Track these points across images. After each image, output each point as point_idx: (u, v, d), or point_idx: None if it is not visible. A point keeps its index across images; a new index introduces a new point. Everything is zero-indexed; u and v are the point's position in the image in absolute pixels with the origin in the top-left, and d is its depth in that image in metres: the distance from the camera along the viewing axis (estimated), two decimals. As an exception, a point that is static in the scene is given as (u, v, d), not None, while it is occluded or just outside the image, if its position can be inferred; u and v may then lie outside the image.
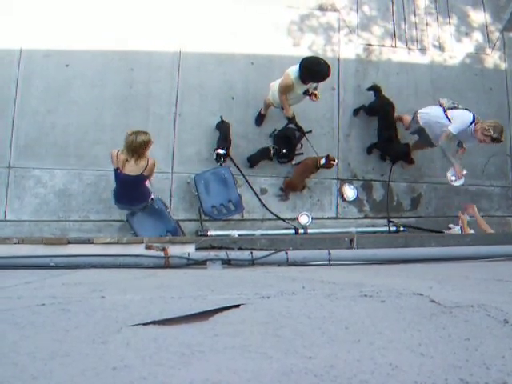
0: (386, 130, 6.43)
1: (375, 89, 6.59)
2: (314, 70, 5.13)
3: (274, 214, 6.36)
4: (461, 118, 5.46)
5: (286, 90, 5.37)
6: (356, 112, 6.78)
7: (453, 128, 5.45)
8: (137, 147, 4.53)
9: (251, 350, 1.10)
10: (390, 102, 6.43)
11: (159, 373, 0.96)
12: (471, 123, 5.39)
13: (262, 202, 6.35)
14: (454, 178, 5.91)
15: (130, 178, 4.76)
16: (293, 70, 5.18)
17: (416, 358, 1.07)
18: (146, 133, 4.57)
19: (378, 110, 6.50)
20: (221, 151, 5.95)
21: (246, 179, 6.30)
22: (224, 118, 6.21)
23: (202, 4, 6.56)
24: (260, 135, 6.42)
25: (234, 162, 6.24)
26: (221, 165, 6.07)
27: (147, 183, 5.15)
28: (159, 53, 6.37)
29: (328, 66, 5.15)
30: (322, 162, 5.94)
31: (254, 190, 6.33)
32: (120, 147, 4.68)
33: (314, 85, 5.46)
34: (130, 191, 5.02)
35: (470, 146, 5.83)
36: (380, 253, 3.24)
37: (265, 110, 6.31)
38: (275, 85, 5.53)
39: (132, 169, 4.69)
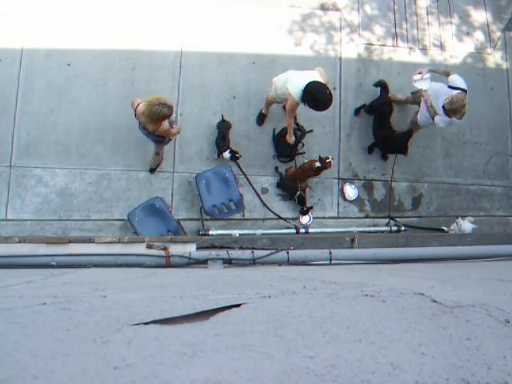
0: (379, 129, 6.44)
1: (382, 85, 6.58)
2: (316, 98, 5.00)
3: (275, 213, 6.36)
4: (463, 80, 5.51)
5: (293, 110, 5.34)
6: (357, 111, 6.77)
7: (454, 75, 5.52)
8: (154, 118, 4.76)
9: (252, 350, 1.10)
10: (389, 102, 6.43)
11: (160, 372, 0.96)
12: (462, 90, 5.39)
13: (263, 202, 6.35)
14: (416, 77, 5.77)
15: (145, 128, 5.07)
16: (296, 94, 5.03)
17: (417, 358, 1.07)
18: (170, 107, 4.74)
19: (376, 109, 6.50)
20: (227, 154, 5.99)
21: (247, 179, 6.30)
22: (225, 118, 6.22)
23: (202, 4, 6.56)
24: (261, 134, 6.42)
25: (241, 170, 6.31)
26: (236, 162, 6.21)
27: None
28: (160, 52, 6.37)
29: (330, 101, 5.02)
30: (318, 164, 5.87)
31: (255, 190, 6.33)
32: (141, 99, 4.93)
33: None
34: (146, 131, 5.18)
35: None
36: (381, 252, 3.25)
37: (266, 109, 6.30)
38: (279, 80, 5.42)
39: (146, 126, 4.95)
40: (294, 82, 5.09)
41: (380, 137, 6.45)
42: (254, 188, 6.33)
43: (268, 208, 6.34)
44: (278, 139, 6.30)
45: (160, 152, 5.88)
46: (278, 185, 6.44)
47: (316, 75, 5.10)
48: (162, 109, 4.66)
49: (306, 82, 4.97)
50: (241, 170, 6.25)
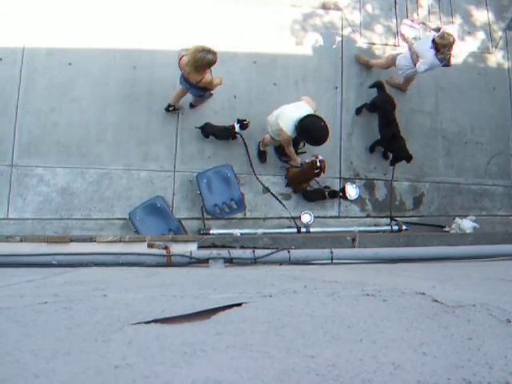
0: (386, 128, 6.40)
1: (378, 85, 6.57)
2: (311, 133, 5.04)
3: (280, 200, 6.39)
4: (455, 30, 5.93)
5: (289, 142, 5.35)
6: (358, 111, 6.76)
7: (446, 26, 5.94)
8: (199, 66, 4.81)
9: (253, 349, 1.10)
10: (391, 100, 6.40)
11: (161, 371, 0.96)
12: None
13: (270, 191, 6.40)
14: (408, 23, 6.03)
15: (187, 81, 5.13)
16: (288, 127, 5.01)
17: (418, 358, 1.07)
18: (214, 53, 4.79)
19: (379, 107, 6.48)
20: (237, 126, 6.05)
21: (254, 173, 6.35)
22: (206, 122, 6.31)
23: (204, 3, 6.55)
24: (263, 134, 6.40)
25: (245, 143, 6.34)
26: (240, 136, 6.26)
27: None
28: (162, 51, 6.36)
29: (327, 134, 5.04)
30: (317, 171, 5.86)
31: (263, 184, 6.38)
32: (186, 51, 4.96)
33: None
34: (188, 83, 5.21)
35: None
36: (382, 252, 3.24)
37: (264, 147, 6.34)
38: (272, 116, 5.39)
39: (190, 76, 4.99)
40: (283, 117, 5.07)
41: (387, 135, 6.41)
42: (261, 183, 6.37)
43: (276, 197, 6.34)
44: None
45: (196, 104, 6.13)
46: (305, 198, 6.50)
47: (304, 106, 5.08)
48: (207, 55, 4.70)
49: (297, 116, 4.94)
50: (245, 146, 6.33)
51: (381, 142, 6.61)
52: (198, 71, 4.84)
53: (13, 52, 6.04)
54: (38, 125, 6.02)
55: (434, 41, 5.56)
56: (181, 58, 4.94)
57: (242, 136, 6.25)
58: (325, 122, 5.00)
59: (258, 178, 6.35)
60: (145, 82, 6.30)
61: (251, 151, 6.38)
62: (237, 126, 6.05)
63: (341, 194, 6.42)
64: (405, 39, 5.99)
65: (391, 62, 6.36)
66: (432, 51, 5.60)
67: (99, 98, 6.19)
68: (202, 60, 4.71)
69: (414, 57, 5.81)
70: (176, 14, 6.45)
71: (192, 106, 6.29)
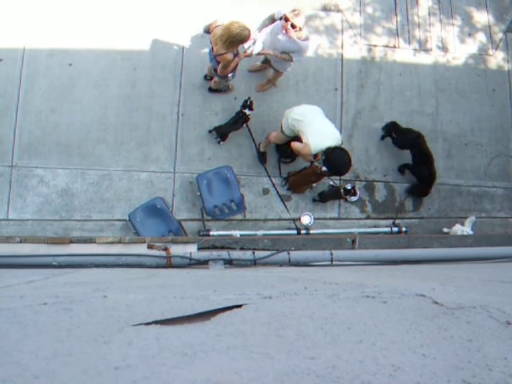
0: (422, 166, 6.41)
1: (392, 127, 6.56)
2: (336, 166, 5.20)
3: (284, 202, 6.41)
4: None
5: (307, 156, 5.46)
6: (383, 138, 6.77)
7: (276, 10, 5.58)
8: (233, 41, 4.74)
9: (253, 351, 1.10)
10: (417, 133, 6.35)
11: (161, 372, 0.96)
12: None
13: (280, 197, 6.41)
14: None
15: (212, 49, 5.06)
16: (314, 147, 5.05)
17: (418, 359, 1.07)
18: (249, 30, 4.73)
19: (410, 146, 6.44)
20: (247, 111, 6.05)
21: (262, 164, 6.40)
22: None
23: (204, 5, 6.55)
24: (263, 135, 6.41)
25: (250, 132, 6.36)
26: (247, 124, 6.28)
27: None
28: (162, 52, 6.38)
29: (349, 167, 5.25)
30: (324, 169, 5.83)
31: (279, 166, 6.43)
32: (221, 26, 4.86)
33: None
34: (212, 53, 5.16)
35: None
36: (382, 253, 3.24)
37: (265, 148, 6.34)
38: (293, 113, 5.34)
39: (216, 48, 4.93)
40: (315, 138, 5.07)
41: (425, 174, 6.44)
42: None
43: (279, 196, 6.33)
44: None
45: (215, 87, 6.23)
46: (321, 199, 6.52)
47: (335, 133, 5.16)
48: (243, 32, 4.64)
49: (327, 145, 5.02)
50: (250, 132, 6.35)
51: (419, 185, 6.64)
52: (227, 46, 4.79)
53: (13, 52, 6.04)
54: (38, 125, 6.02)
55: (292, 25, 5.11)
56: (213, 29, 4.92)
57: (248, 127, 6.29)
58: (349, 156, 5.15)
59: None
60: (145, 83, 6.30)
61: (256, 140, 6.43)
62: (247, 111, 6.05)
63: (352, 191, 6.44)
64: (266, 54, 5.64)
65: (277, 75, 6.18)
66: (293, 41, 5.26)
67: (100, 98, 6.19)
68: (238, 36, 4.64)
69: (287, 58, 5.50)
70: (177, 14, 6.45)
71: (211, 89, 6.34)
